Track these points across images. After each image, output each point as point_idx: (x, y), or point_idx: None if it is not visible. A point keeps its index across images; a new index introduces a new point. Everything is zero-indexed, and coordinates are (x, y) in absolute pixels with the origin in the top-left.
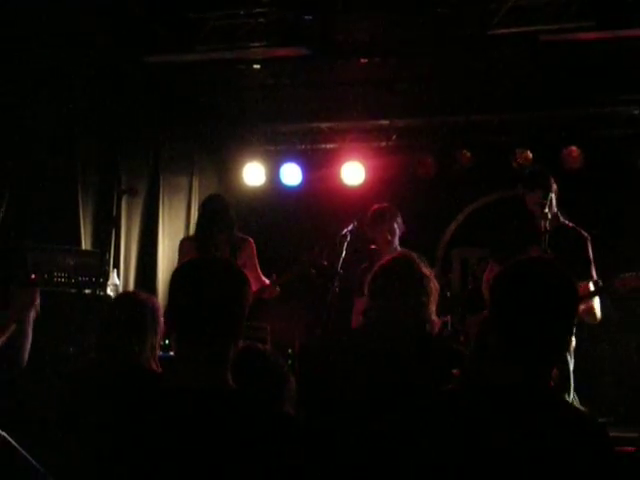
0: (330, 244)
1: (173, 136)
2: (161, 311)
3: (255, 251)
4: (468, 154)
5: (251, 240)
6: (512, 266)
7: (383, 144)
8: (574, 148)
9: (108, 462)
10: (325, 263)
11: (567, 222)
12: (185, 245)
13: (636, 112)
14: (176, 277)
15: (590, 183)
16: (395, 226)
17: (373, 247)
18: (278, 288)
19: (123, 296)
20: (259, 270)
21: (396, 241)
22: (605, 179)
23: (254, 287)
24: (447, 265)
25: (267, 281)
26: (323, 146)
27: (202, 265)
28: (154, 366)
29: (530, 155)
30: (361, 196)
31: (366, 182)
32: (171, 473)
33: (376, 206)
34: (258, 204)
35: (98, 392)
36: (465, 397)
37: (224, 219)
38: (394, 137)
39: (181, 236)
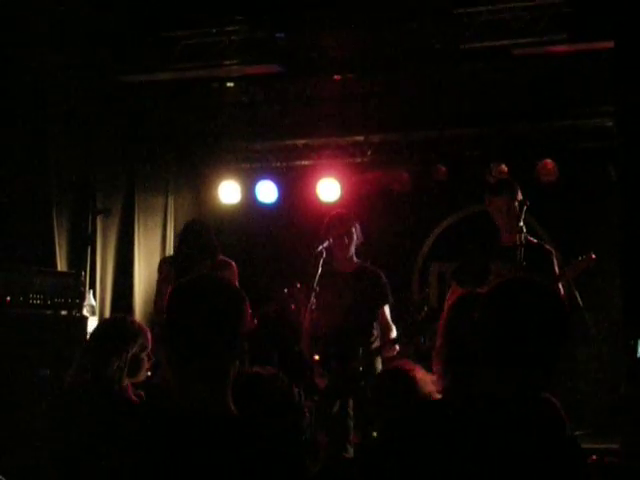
0: (308, 283)
1: (148, 155)
2: (148, 337)
3: (237, 275)
4: (443, 169)
5: (233, 264)
6: (500, 287)
7: (358, 160)
8: (549, 161)
9: None
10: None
11: (531, 238)
12: (164, 267)
13: (609, 124)
14: (173, 295)
15: (565, 195)
16: (353, 231)
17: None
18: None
19: (110, 320)
20: None
21: (352, 249)
22: (580, 191)
23: None
24: (425, 280)
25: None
26: (298, 163)
27: (199, 283)
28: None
29: (505, 168)
30: None
31: (342, 198)
32: None
33: (335, 211)
34: (234, 222)
35: (86, 419)
36: (451, 410)
37: (207, 247)
38: (369, 153)
39: (157, 255)
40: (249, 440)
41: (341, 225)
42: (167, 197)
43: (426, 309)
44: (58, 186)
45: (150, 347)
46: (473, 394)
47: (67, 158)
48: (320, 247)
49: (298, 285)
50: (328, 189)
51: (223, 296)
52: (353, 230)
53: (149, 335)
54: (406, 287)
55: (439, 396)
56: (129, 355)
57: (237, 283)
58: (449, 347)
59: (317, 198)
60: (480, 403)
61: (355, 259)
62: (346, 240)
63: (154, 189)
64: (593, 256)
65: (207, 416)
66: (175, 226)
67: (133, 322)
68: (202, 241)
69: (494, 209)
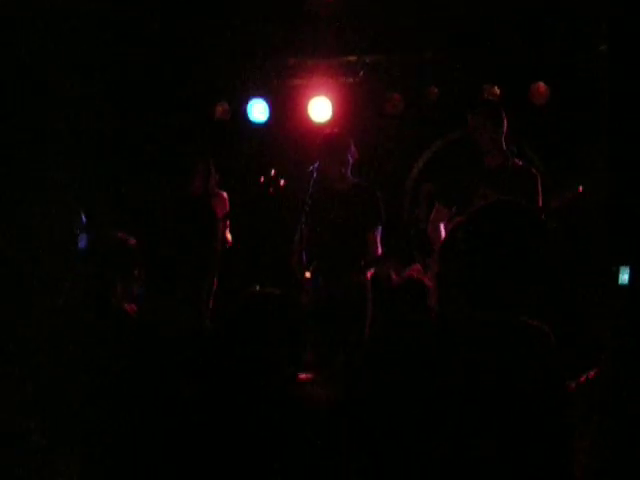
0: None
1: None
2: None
3: (226, 204)
4: (435, 90)
5: (224, 195)
6: (481, 209)
7: (351, 80)
8: (541, 84)
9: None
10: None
11: (517, 161)
12: None
13: (602, 48)
14: (151, 216)
15: (557, 119)
16: (349, 157)
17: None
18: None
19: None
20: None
21: (346, 168)
22: (571, 115)
23: None
24: (415, 201)
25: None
26: (290, 82)
27: (177, 202)
28: (126, 305)
29: (498, 91)
30: None
31: (333, 118)
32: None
33: (327, 133)
34: (225, 141)
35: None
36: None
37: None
38: (362, 73)
39: None
40: (224, 356)
41: (334, 143)
42: None
43: (414, 231)
44: None
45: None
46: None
47: None
48: (311, 167)
49: (273, 172)
50: (320, 108)
51: (198, 216)
52: (347, 148)
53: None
54: (397, 208)
55: None
56: (124, 270)
57: (226, 210)
58: (443, 272)
59: (308, 117)
60: (467, 325)
61: (350, 178)
62: (340, 158)
63: None
64: (580, 189)
65: (181, 328)
66: None
67: (126, 238)
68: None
69: (474, 129)
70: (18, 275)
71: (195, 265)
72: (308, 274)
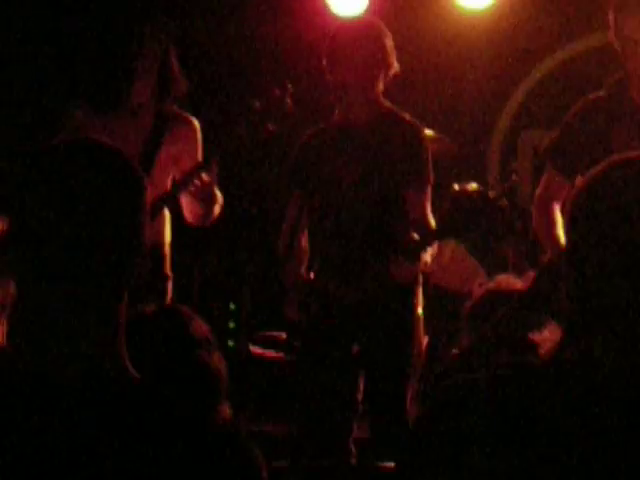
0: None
1: None
2: None
3: (199, 140)
4: None
5: (195, 123)
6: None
7: None
8: None
9: None
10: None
11: None
12: None
13: None
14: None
15: None
16: (380, 51)
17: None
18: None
19: None
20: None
21: (379, 84)
22: None
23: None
24: (507, 157)
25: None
26: None
27: (71, 155)
28: None
29: None
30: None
31: (368, 13)
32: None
33: (344, 23)
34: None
35: None
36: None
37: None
38: None
39: None
40: (157, 418)
41: (357, 39)
42: None
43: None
44: None
45: None
46: None
47: None
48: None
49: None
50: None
51: (108, 183)
52: (379, 47)
53: None
54: (478, 168)
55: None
56: None
57: (198, 153)
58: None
59: (328, 9)
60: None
61: (382, 102)
62: (365, 65)
63: None
64: None
65: (93, 379)
66: None
67: None
68: None
69: (623, 39)
70: None
71: (97, 272)
72: (311, 274)
